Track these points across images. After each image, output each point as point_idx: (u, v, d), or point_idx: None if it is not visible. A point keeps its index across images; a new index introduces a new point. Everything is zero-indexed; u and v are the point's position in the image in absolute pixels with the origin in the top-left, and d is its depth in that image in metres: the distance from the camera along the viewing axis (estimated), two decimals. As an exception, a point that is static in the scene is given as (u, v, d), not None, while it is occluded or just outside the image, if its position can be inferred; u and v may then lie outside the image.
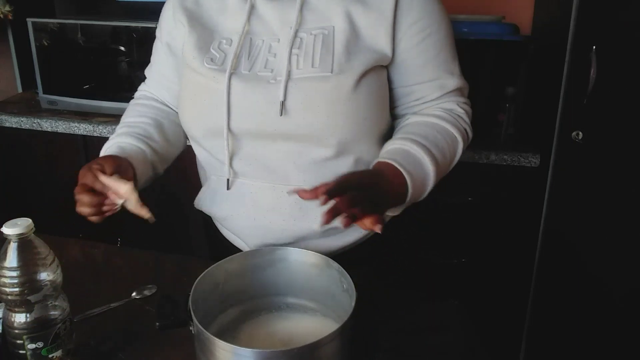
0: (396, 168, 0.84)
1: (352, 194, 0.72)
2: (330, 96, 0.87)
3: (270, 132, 0.89)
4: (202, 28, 0.96)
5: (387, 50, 0.90)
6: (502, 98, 1.73)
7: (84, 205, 0.82)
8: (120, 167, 0.86)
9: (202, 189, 1.05)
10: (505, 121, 1.73)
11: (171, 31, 1.01)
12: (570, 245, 1.68)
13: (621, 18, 1.46)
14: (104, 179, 0.82)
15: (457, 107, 0.96)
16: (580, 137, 1.57)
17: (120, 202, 0.82)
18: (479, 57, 1.67)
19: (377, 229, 0.73)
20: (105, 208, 0.83)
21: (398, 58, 0.92)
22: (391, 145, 0.90)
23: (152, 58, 1.09)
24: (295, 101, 0.87)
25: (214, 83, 0.90)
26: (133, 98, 1.12)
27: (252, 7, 0.93)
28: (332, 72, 0.87)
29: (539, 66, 1.86)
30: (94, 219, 0.84)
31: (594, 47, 1.46)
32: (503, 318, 1.84)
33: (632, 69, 1.49)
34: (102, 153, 0.94)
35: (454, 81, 0.95)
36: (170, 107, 1.08)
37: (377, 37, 0.90)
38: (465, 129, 0.96)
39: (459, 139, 0.94)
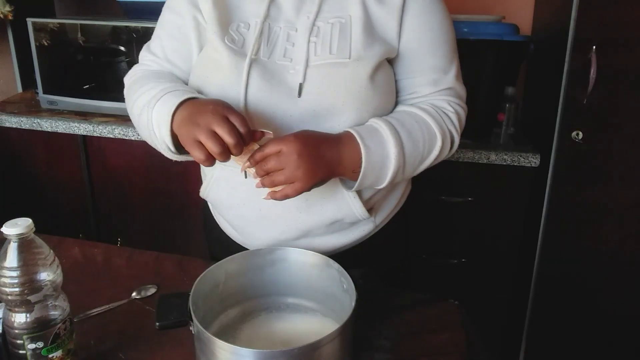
0: (355, 138, 0.85)
1: (266, 162, 0.80)
2: (347, 82, 0.88)
3: (286, 117, 0.89)
4: (224, 7, 0.95)
5: (395, 42, 0.92)
6: (502, 98, 1.73)
7: (218, 143, 0.77)
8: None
9: (208, 178, 1.03)
10: (505, 121, 1.73)
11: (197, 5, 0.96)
12: (570, 245, 1.68)
13: (621, 18, 1.46)
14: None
15: (448, 106, 0.95)
16: (580, 137, 1.57)
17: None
18: (479, 57, 1.66)
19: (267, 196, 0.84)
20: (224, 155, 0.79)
21: (399, 50, 0.94)
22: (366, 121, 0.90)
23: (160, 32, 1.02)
24: (312, 86, 0.88)
25: (234, 66, 0.90)
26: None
27: None
28: (349, 58, 0.88)
29: (539, 66, 1.86)
30: (205, 159, 0.79)
31: (594, 47, 1.46)
32: (503, 318, 1.84)
33: (632, 69, 1.49)
34: (174, 102, 0.85)
35: (447, 80, 0.95)
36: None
37: (388, 29, 0.92)
38: (450, 131, 0.94)
39: (439, 136, 0.91)
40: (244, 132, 0.79)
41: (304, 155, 0.79)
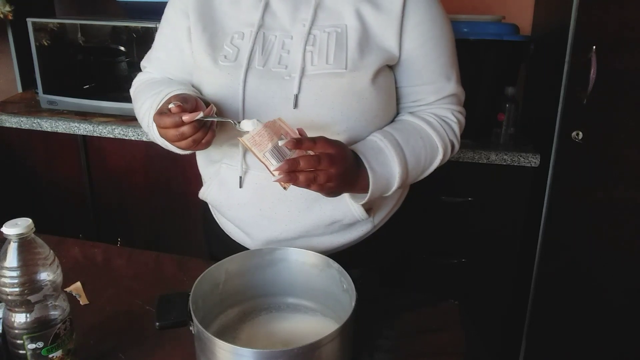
0: (362, 163, 0.87)
1: (314, 157, 0.77)
2: (344, 92, 0.88)
3: None
4: (213, 25, 0.95)
5: (395, 50, 0.92)
6: (502, 98, 1.73)
7: (184, 136, 0.81)
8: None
9: (208, 181, 1.04)
10: (505, 121, 1.73)
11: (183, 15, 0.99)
12: (570, 245, 1.68)
13: (621, 18, 1.46)
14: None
15: (451, 115, 0.98)
16: (580, 137, 1.57)
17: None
18: (479, 57, 1.67)
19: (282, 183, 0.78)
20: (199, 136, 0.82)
21: (402, 58, 0.94)
22: (372, 136, 0.91)
23: (158, 45, 1.06)
24: (308, 96, 0.88)
25: (230, 80, 0.91)
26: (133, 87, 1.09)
27: (267, 4, 0.94)
28: (346, 68, 0.88)
29: (539, 66, 1.86)
30: (188, 144, 0.83)
31: (594, 47, 1.46)
32: (503, 318, 1.84)
33: (632, 69, 1.49)
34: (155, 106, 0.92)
35: (450, 87, 0.96)
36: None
37: (386, 37, 0.91)
38: (452, 141, 0.98)
39: (440, 150, 0.95)
40: (177, 111, 0.80)
41: (339, 174, 0.80)
